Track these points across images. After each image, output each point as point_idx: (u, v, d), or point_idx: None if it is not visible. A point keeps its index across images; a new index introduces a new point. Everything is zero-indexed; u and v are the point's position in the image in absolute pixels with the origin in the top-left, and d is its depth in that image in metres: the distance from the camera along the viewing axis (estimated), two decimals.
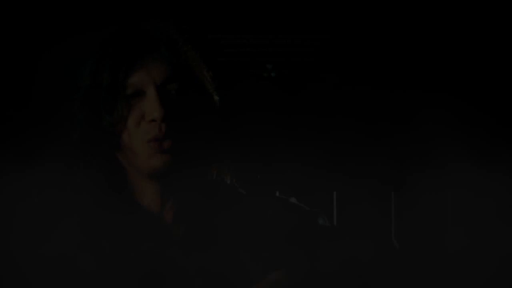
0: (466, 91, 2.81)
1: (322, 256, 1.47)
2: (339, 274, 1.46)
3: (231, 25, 2.81)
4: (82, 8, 2.68)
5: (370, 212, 2.77)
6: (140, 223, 1.47)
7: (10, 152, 2.60)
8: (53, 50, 2.62)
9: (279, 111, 2.82)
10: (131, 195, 1.49)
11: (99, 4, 2.69)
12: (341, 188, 2.77)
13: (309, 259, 1.45)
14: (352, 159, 2.80)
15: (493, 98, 2.81)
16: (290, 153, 2.80)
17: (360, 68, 2.83)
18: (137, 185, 1.49)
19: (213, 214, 1.49)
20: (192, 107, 1.47)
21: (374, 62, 2.83)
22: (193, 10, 2.76)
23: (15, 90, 2.67)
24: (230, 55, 2.81)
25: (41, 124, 2.58)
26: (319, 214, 1.54)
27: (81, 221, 1.46)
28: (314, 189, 2.72)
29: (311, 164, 2.78)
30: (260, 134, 2.77)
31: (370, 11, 2.81)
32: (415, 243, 2.72)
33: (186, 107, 1.46)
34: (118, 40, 1.47)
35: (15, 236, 1.45)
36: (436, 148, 2.79)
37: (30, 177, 2.47)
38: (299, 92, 2.83)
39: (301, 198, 1.58)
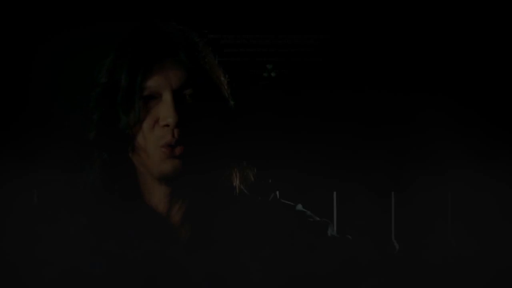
0: (466, 93, 2.81)
1: (322, 256, 1.48)
2: (338, 274, 1.46)
3: (231, 25, 2.81)
4: (83, 9, 2.68)
5: (370, 212, 2.77)
6: (146, 223, 1.47)
7: (16, 152, 2.60)
8: (52, 50, 2.62)
9: (279, 112, 2.82)
10: (140, 195, 1.49)
11: (100, 4, 2.69)
12: (341, 188, 2.77)
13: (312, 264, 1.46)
14: (353, 159, 2.80)
15: (492, 100, 2.81)
16: (290, 153, 2.79)
17: (360, 68, 2.83)
18: (147, 185, 1.49)
19: (221, 217, 1.49)
20: (206, 112, 1.47)
21: (374, 63, 2.83)
22: (193, 10, 2.76)
23: (16, 90, 2.67)
24: (230, 55, 2.81)
25: (46, 123, 2.58)
26: (329, 224, 1.54)
27: (87, 221, 1.46)
28: (314, 189, 2.72)
29: (311, 164, 2.78)
30: (260, 134, 2.77)
31: (370, 11, 2.81)
32: (415, 243, 2.72)
33: (200, 113, 1.46)
34: (137, 41, 1.47)
35: (23, 236, 1.45)
36: (436, 149, 2.79)
37: (38, 176, 2.48)
38: (299, 92, 2.83)
39: (301, 198, 1.58)
